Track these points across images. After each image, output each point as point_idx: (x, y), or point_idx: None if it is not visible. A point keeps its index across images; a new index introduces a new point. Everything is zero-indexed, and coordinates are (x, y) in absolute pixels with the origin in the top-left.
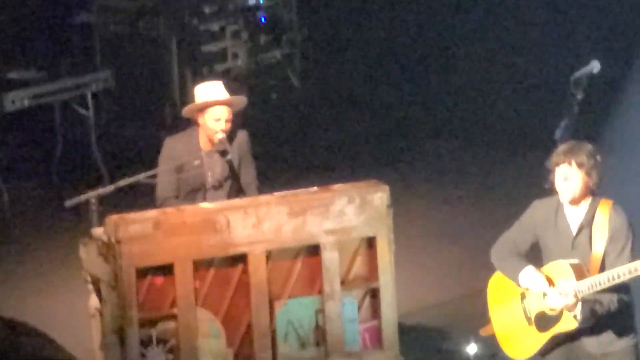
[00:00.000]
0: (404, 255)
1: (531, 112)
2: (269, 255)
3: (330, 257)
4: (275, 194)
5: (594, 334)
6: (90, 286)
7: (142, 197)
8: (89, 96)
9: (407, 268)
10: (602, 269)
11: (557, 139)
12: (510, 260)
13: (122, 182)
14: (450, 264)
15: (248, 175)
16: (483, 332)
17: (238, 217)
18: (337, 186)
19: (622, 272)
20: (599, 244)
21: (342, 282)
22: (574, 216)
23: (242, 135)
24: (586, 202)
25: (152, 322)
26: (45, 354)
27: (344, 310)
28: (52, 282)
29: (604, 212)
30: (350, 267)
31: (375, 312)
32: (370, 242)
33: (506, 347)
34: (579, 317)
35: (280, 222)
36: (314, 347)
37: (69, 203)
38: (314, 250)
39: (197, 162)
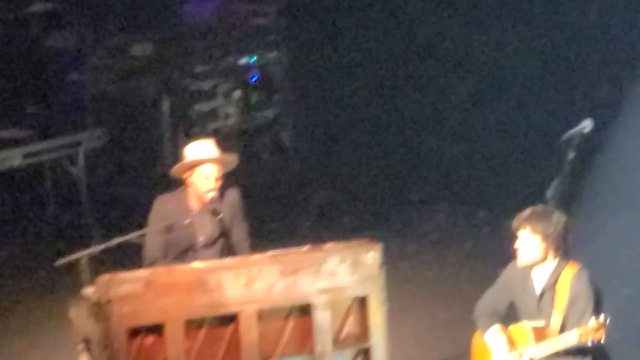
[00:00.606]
0: (395, 315)
1: (523, 173)
2: (260, 315)
3: (321, 317)
4: (267, 253)
5: None
6: (81, 346)
7: (133, 257)
8: (80, 155)
9: (399, 328)
10: (562, 332)
11: (549, 198)
12: (484, 318)
13: (113, 242)
14: (442, 325)
15: (240, 234)
16: None
17: (229, 277)
18: (329, 245)
19: (571, 338)
20: (560, 306)
21: (334, 342)
22: (539, 278)
23: (233, 194)
24: (552, 265)
25: None
26: None
27: None
28: (42, 342)
29: (568, 275)
30: (342, 327)
31: None
32: (363, 302)
33: None
34: None
35: (272, 281)
36: None
37: (59, 262)
38: (305, 310)
39: (186, 222)
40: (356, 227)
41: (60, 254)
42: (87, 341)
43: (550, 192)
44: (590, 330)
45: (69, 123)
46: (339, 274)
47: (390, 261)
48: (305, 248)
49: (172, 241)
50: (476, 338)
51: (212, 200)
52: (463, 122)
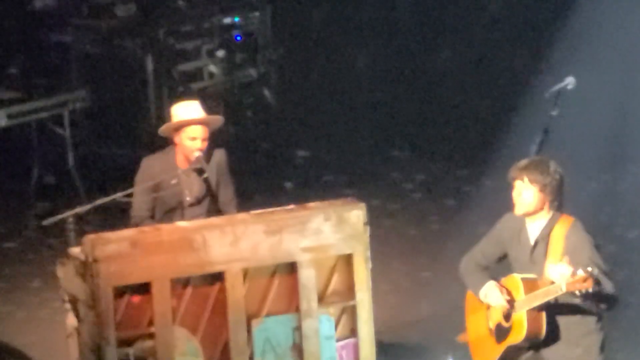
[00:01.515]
0: (380, 273)
1: (505, 130)
2: (246, 274)
3: (307, 275)
4: (252, 212)
5: (557, 352)
6: (68, 305)
7: (119, 216)
8: (66, 115)
9: (383, 285)
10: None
11: (531, 155)
12: (474, 275)
13: (100, 201)
14: (426, 282)
15: (227, 193)
16: (460, 339)
17: (215, 235)
18: (313, 204)
19: (559, 288)
20: (553, 258)
21: (319, 300)
22: (534, 230)
23: (220, 154)
24: (546, 217)
25: (130, 341)
26: None
27: (321, 328)
28: (29, 301)
29: (562, 228)
30: (327, 285)
31: (353, 329)
32: (347, 260)
33: (474, 356)
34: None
35: (257, 240)
36: None
37: (46, 222)
38: (290, 268)
39: (174, 181)
40: (338, 186)
41: (47, 214)
42: (73, 300)
43: (532, 149)
44: (578, 280)
45: (54, 84)
46: (323, 233)
47: (373, 219)
48: (290, 207)
49: (160, 200)
50: (469, 296)
51: (197, 160)
52: (445, 80)
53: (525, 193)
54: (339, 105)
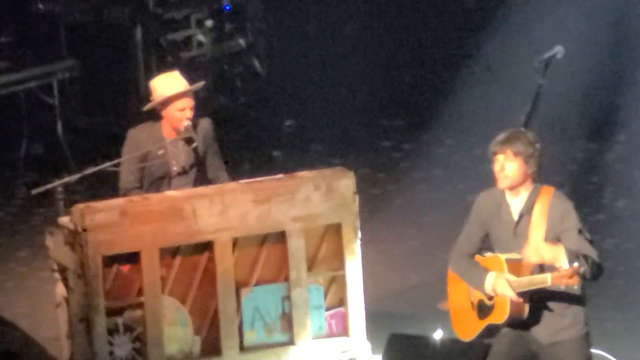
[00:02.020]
0: (370, 242)
1: (496, 98)
2: (235, 243)
3: (296, 244)
4: (241, 181)
5: (542, 323)
6: (57, 275)
7: (108, 186)
8: (55, 85)
9: (373, 255)
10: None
11: (522, 124)
12: (471, 270)
13: (89, 171)
14: (416, 251)
15: (216, 162)
16: (441, 306)
17: (204, 204)
18: (302, 173)
19: (544, 280)
20: (537, 232)
21: (308, 269)
22: (516, 204)
23: (206, 124)
24: (527, 190)
25: (119, 311)
26: (13, 343)
27: (310, 297)
28: (18, 270)
29: (545, 199)
30: (317, 254)
31: (342, 298)
32: (336, 229)
33: (455, 325)
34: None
35: (246, 209)
36: (280, 333)
37: (35, 192)
38: (280, 237)
39: (161, 151)
40: (327, 155)
41: (36, 183)
42: (63, 270)
43: (521, 119)
44: (564, 274)
45: (43, 53)
46: (312, 202)
47: (361, 189)
48: (279, 176)
49: (147, 171)
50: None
51: (186, 129)
52: (434, 49)
53: (509, 166)
54: (328, 75)
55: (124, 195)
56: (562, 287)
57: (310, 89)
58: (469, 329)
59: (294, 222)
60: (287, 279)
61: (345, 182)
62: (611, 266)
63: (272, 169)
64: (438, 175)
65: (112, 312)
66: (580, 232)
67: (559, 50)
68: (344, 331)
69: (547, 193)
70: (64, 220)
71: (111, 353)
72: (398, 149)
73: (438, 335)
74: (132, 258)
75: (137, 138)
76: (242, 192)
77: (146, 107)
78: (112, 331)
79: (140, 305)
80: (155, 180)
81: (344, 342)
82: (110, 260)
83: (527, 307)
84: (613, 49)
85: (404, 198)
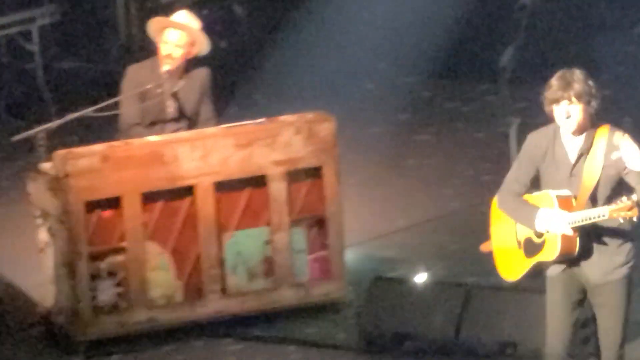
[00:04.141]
0: (351, 186)
1: (475, 41)
2: (216, 187)
3: (277, 188)
4: (222, 125)
5: (596, 261)
6: (39, 221)
7: (90, 131)
8: (35, 30)
9: (354, 198)
10: (594, 196)
11: (503, 65)
12: (521, 208)
13: (70, 117)
14: (398, 195)
15: (207, 111)
16: (483, 248)
17: (185, 149)
18: (283, 117)
19: (602, 212)
20: (594, 171)
21: (290, 213)
22: (573, 144)
23: (203, 73)
24: (585, 130)
25: (102, 256)
26: None
27: (293, 241)
28: (0, 217)
29: (602, 137)
30: (298, 198)
31: (324, 242)
32: (318, 173)
33: (499, 266)
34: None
35: (228, 154)
36: (263, 278)
37: (16, 138)
38: (261, 182)
39: (159, 90)
40: (310, 99)
41: (17, 130)
42: (45, 215)
43: (504, 60)
44: (622, 207)
45: None
46: (294, 146)
47: (342, 132)
48: (261, 120)
49: (145, 110)
50: (495, 206)
51: (168, 74)
52: None
53: (574, 111)
54: (311, 18)
55: (126, 132)
56: (620, 221)
57: (293, 33)
58: (515, 269)
59: (275, 166)
60: (269, 223)
61: (327, 126)
62: None
63: (254, 113)
64: (421, 118)
65: (94, 258)
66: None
67: None
68: (326, 275)
69: (604, 131)
70: (45, 166)
71: (94, 298)
72: (381, 91)
73: (421, 278)
74: (114, 203)
75: (136, 75)
76: (223, 137)
77: (148, 30)
78: (95, 276)
79: (122, 251)
80: (149, 122)
81: (327, 285)
82: (92, 206)
83: (578, 243)
84: None
85: (387, 141)
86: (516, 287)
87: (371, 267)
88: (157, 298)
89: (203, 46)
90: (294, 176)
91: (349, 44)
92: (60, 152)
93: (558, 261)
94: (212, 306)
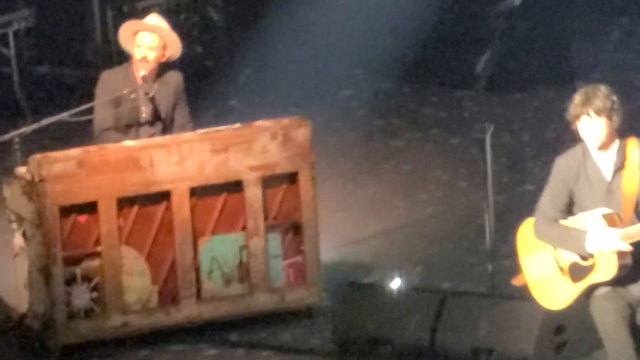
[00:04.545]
0: (327, 191)
1: (451, 47)
2: (192, 193)
3: (253, 194)
4: (198, 131)
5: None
6: (15, 225)
7: (65, 136)
8: (10, 35)
9: (331, 203)
10: (637, 210)
11: (479, 72)
12: (565, 233)
13: (46, 121)
14: (373, 200)
15: (183, 116)
16: (515, 282)
17: (161, 154)
18: (259, 122)
19: None
20: (633, 184)
21: (266, 218)
22: (605, 161)
23: (177, 76)
24: (615, 145)
25: (77, 260)
26: None
27: (268, 247)
28: None
29: (634, 150)
30: (274, 203)
31: (299, 248)
32: (293, 178)
33: (539, 297)
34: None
35: (203, 159)
36: (238, 283)
37: None
38: (237, 187)
39: (133, 96)
40: (285, 104)
41: None
42: (20, 220)
43: (480, 66)
44: None
45: None
46: (269, 151)
47: (318, 137)
48: (236, 125)
49: (119, 115)
50: (525, 228)
51: (142, 78)
52: None
53: (595, 126)
54: (286, 23)
55: (99, 137)
56: None
57: (268, 37)
58: (561, 296)
59: (251, 172)
60: (244, 229)
61: (302, 131)
62: None
63: (230, 118)
64: (396, 124)
65: (69, 262)
66: None
67: None
68: (302, 280)
69: (634, 143)
70: (21, 170)
71: (69, 303)
72: (356, 97)
73: (396, 284)
74: (90, 208)
75: (110, 80)
76: (199, 142)
77: (119, 37)
78: (70, 281)
79: (98, 255)
80: (124, 127)
81: (302, 291)
82: (68, 211)
83: (631, 258)
84: None
85: (361, 147)
86: (491, 294)
87: (346, 273)
88: (133, 303)
89: (176, 49)
90: (269, 181)
91: (326, 50)
92: (36, 157)
93: (612, 280)
94: (188, 311)
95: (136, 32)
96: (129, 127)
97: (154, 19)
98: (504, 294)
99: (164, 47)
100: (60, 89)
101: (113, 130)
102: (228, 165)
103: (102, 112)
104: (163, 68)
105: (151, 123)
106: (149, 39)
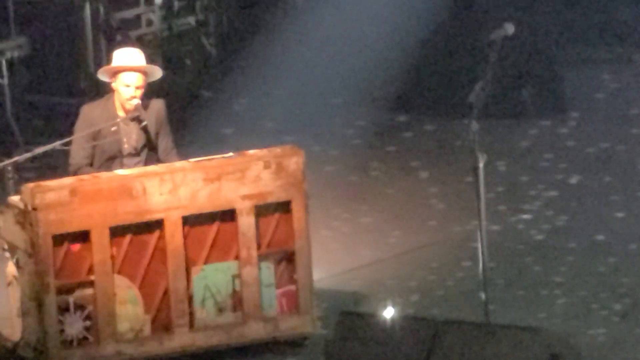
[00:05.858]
0: (320, 220)
1: (444, 76)
2: (185, 221)
3: (246, 222)
4: (191, 160)
5: None
6: (7, 254)
7: (58, 165)
8: (3, 63)
9: (325, 232)
10: None
11: (472, 102)
12: None
13: (38, 150)
14: (366, 229)
15: (166, 143)
16: None
17: (154, 183)
18: (252, 151)
19: None
20: None
21: (259, 247)
22: None
23: (158, 104)
24: None
25: (70, 289)
26: None
27: (261, 275)
28: None
29: None
30: (267, 232)
31: (292, 276)
32: (286, 207)
33: None
34: None
35: (196, 187)
36: (231, 312)
37: None
38: (230, 216)
39: (113, 129)
40: (278, 133)
41: None
42: (13, 249)
43: (473, 96)
44: None
45: None
46: (262, 180)
47: (312, 166)
48: (229, 154)
49: (99, 149)
50: None
51: (136, 108)
52: (382, 28)
53: None
54: (279, 53)
55: (74, 172)
56: None
57: (261, 67)
58: None
59: (244, 201)
60: (237, 258)
61: (295, 160)
62: (562, 244)
63: (223, 147)
64: (390, 152)
65: (62, 291)
66: None
67: (508, 27)
68: (295, 309)
69: None
70: (14, 199)
71: (62, 331)
72: (350, 126)
73: (390, 313)
74: (83, 237)
75: (90, 114)
76: (192, 171)
77: (98, 73)
78: (63, 310)
79: (90, 284)
80: (106, 159)
81: (295, 320)
82: (61, 239)
83: None
84: (563, 25)
85: (356, 175)
86: (485, 323)
87: (339, 302)
88: (125, 332)
89: (157, 75)
90: (262, 210)
91: (320, 79)
92: (29, 186)
93: None
94: (180, 340)
95: (118, 72)
96: (112, 159)
97: (134, 57)
98: (498, 322)
99: (147, 77)
100: (53, 117)
101: (88, 166)
102: (221, 194)
103: (78, 148)
104: (146, 95)
105: (135, 154)
106: (134, 79)
